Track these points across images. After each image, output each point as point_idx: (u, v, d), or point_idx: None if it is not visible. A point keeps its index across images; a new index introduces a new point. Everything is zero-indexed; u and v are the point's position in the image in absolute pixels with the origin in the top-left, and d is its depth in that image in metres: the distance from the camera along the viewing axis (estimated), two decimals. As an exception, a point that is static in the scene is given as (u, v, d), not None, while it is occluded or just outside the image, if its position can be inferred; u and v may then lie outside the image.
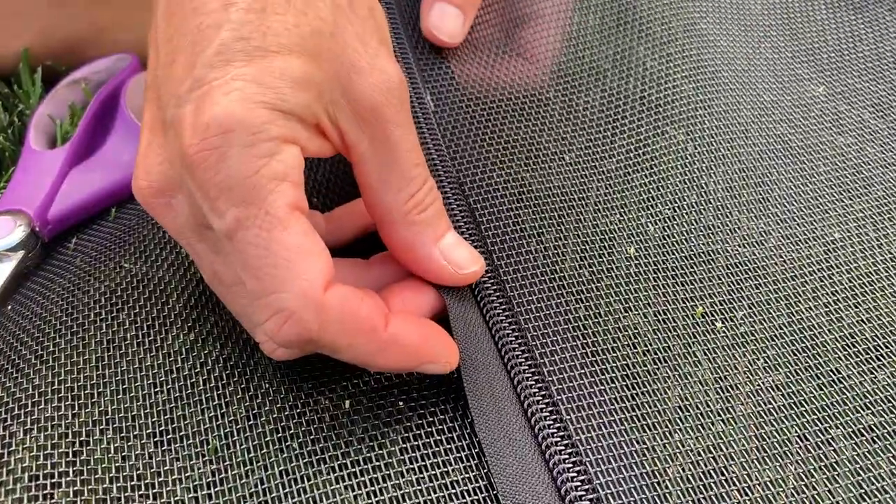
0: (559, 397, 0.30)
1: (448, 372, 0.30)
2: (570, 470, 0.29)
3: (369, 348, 0.29)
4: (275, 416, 0.30)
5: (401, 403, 0.31)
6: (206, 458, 0.29)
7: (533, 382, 0.31)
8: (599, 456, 0.29)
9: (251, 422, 0.30)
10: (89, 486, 0.28)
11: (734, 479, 0.29)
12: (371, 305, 0.29)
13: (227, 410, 0.31)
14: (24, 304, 0.36)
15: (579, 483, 0.29)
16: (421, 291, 0.32)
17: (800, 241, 0.38)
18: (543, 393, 0.31)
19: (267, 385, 0.31)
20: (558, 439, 0.29)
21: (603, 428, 0.30)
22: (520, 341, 0.32)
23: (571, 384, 0.31)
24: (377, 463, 0.29)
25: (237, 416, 0.31)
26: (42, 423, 0.29)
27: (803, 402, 0.32)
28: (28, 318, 0.35)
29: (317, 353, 0.31)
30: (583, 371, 0.31)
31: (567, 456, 0.29)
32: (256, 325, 0.29)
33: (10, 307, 0.36)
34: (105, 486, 0.28)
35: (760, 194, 0.39)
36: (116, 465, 0.29)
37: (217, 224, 0.27)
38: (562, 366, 0.32)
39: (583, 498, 0.28)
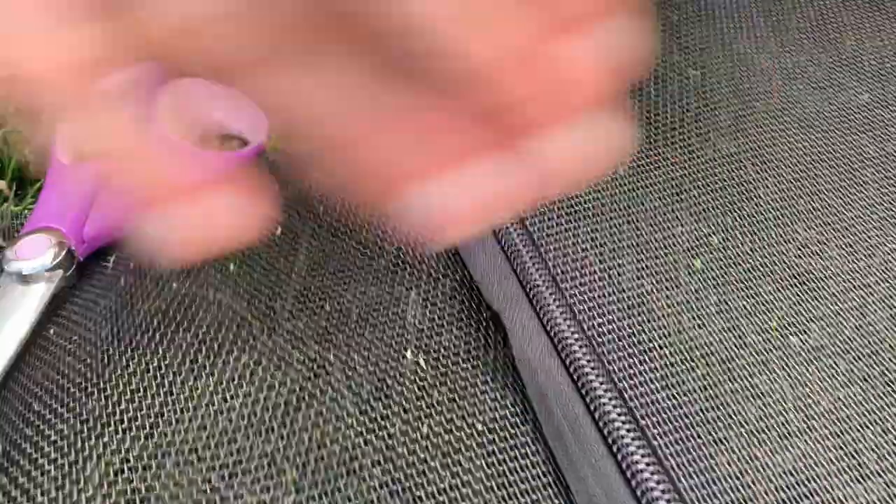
0: (644, 422, 0.30)
1: None
2: (660, 495, 0.28)
3: None
4: (351, 441, 0.29)
5: (478, 426, 0.30)
6: (284, 489, 0.28)
7: (607, 400, 0.30)
8: (693, 481, 0.28)
9: (326, 448, 0.29)
10: (167, 523, 0.26)
11: (828, 500, 0.29)
12: None
13: (299, 437, 0.29)
14: (67, 327, 0.34)
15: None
16: None
17: (859, 249, 0.37)
18: (622, 414, 0.30)
19: (339, 409, 0.30)
20: (643, 466, 0.28)
21: (692, 451, 0.29)
22: (588, 357, 0.31)
23: (654, 407, 0.30)
24: (464, 490, 0.28)
25: (310, 443, 0.29)
26: (107, 458, 0.28)
27: (885, 420, 0.31)
28: (74, 341, 0.33)
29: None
30: (664, 394, 0.31)
31: (653, 477, 0.28)
32: None
33: (52, 330, 0.34)
34: (182, 521, 0.27)
35: (814, 203, 0.39)
36: (193, 499, 0.27)
37: None
38: (642, 386, 0.31)
39: None
